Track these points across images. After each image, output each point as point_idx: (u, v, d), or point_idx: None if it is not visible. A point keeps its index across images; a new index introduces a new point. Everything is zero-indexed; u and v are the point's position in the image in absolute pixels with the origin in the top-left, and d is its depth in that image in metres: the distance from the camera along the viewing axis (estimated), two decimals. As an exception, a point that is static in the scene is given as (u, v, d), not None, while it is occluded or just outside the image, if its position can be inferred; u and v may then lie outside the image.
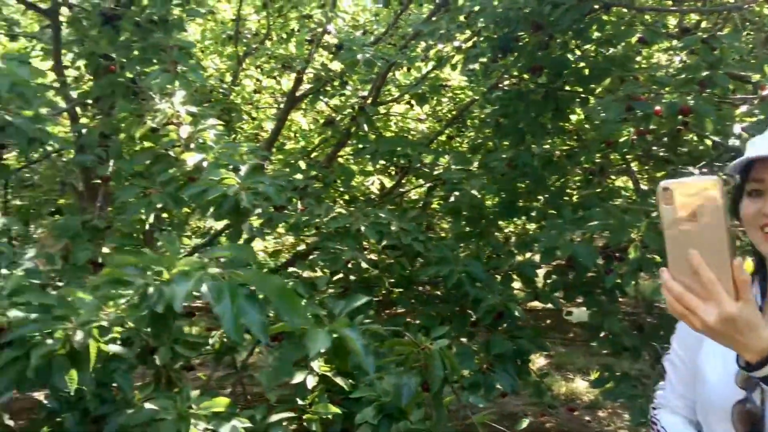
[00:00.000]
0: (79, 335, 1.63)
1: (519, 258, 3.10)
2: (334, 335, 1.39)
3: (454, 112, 4.46)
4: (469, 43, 3.45)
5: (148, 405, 1.98)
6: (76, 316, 1.64)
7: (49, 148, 2.79)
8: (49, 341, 1.59)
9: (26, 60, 2.46)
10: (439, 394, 1.61)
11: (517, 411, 3.86)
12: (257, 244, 4.73)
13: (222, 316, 1.24)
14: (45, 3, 3.25)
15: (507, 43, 3.04)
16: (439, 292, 3.27)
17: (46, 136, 2.18)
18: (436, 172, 3.54)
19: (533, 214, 3.50)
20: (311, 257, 4.06)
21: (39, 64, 3.42)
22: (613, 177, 3.89)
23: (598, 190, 3.48)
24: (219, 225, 5.29)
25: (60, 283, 2.47)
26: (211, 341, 2.99)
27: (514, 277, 3.06)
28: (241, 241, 3.74)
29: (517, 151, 3.29)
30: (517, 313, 2.64)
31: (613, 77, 3.12)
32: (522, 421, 2.29)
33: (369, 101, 3.88)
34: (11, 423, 2.20)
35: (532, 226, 3.96)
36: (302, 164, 4.16)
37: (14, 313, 1.69)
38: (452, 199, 3.45)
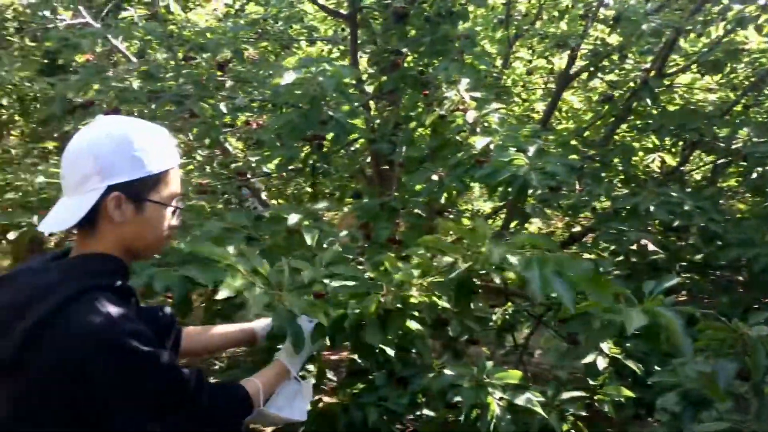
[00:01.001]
0: (391, 299, 1.81)
1: None
2: (649, 314, 1.37)
3: (752, 79, 3.98)
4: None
5: (446, 371, 2.14)
6: (389, 283, 1.83)
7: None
8: (364, 304, 1.77)
9: (331, 61, 2.80)
10: (761, 384, 1.49)
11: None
12: (530, 226, 4.77)
13: (530, 280, 1.30)
14: (343, 9, 3.64)
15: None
16: (740, 278, 2.97)
17: (354, 128, 2.47)
18: (733, 146, 3.20)
19: None
20: (584, 239, 3.97)
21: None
22: None
23: None
24: (486, 207, 5.46)
25: (361, 258, 2.78)
26: (494, 317, 3.12)
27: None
28: (514, 222, 3.84)
29: (842, 118, 2.84)
30: None
31: None
32: None
33: (652, 73, 3.65)
34: (332, 376, 2.54)
35: None
36: (576, 143, 4.07)
37: (331, 282, 1.92)
38: (755, 175, 3.09)
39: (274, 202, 4.68)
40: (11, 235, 2.41)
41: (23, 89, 2.75)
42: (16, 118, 5.12)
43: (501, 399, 2.00)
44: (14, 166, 3.04)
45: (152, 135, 1.26)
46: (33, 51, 4.17)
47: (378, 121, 3.09)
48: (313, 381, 1.74)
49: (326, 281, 1.87)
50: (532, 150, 2.34)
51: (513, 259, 1.39)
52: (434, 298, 1.85)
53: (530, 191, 2.30)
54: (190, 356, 1.70)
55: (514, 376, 2.04)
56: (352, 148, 3.91)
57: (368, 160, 3.88)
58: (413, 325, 1.93)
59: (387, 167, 3.58)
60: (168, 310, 1.52)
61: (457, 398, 2.00)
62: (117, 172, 1.20)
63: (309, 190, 4.94)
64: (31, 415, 1.12)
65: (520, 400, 1.98)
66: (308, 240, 2.12)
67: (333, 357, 5.01)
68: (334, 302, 1.81)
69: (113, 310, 1.13)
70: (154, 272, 1.95)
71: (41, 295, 1.12)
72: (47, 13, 4.09)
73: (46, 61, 4.29)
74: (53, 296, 1.11)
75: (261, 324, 1.73)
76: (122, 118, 1.30)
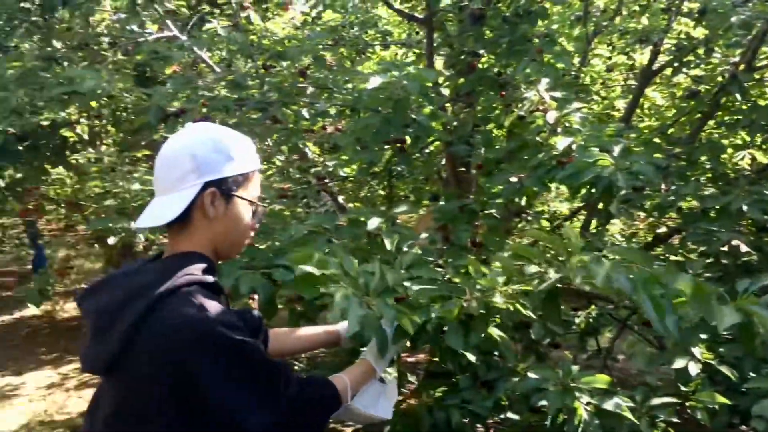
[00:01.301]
0: (475, 304, 1.81)
1: None
2: (742, 312, 1.32)
3: None
4: None
5: (530, 375, 2.11)
6: (473, 288, 1.83)
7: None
8: (446, 308, 1.77)
9: (408, 65, 2.82)
10: None
11: None
12: (611, 226, 4.64)
13: (643, 304, 1.28)
14: (418, 13, 3.66)
15: None
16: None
17: (434, 130, 2.48)
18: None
19: None
20: (670, 240, 3.83)
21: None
22: None
23: None
24: (563, 208, 5.35)
25: (440, 261, 2.78)
26: (576, 321, 3.06)
27: None
28: (595, 224, 3.75)
29: None
30: None
31: None
32: None
33: (741, 67, 3.49)
34: (413, 379, 2.56)
35: None
36: (659, 141, 3.94)
37: (413, 285, 1.92)
38: None
39: (350, 205, 4.75)
40: (111, 240, 2.54)
41: (121, 100, 2.92)
42: (109, 128, 5.42)
43: (588, 404, 1.96)
44: (111, 174, 3.23)
45: (239, 139, 1.35)
46: (124, 64, 4.41)
47: (455, 123, 3.08)
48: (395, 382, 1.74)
49: (407, 284, 1.89)
50: (617, 150, 2.28)
51: (617, 280, 1.37)
52: (518, 306, 1.83)
53: (615, 192, 2.24)
54: (277, 357, 1.75)
55: (601, 380, 2.00)
56: (427, 151, 3.93)
57: (443, 162, 3.88)
58: (495, 331, 1.92)
59: (463, 169, 3.57)
60: (256, 313, 1.58)
61: (542, 402, 1.97)
62: (212, 169, 1.28)
63: (382, 193, 4.98)
64: (133, 412, 1.18)
65: (609, 405, 1.94)
66: (388, 244, 2.14)
67: (410, 359, 5.05)
68: (415, 305, 1.83)
69: (207, 302, 1.18)
70: (241, 274, 2.03)
71: (136, 295, 1.18)
72: (135, 27, 4.31)
73: (135, 73, 4.52)
74: (148, 295, 1.17)
75: (345, 326, 1.77)
76: (211, 124, 1.39)
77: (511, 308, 1.80)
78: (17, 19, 4.40)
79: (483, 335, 1.88)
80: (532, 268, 1.69)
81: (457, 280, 1.92)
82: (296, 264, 1.53)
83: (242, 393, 1.19)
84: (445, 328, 1.84)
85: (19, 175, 5.16)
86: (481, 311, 1.80)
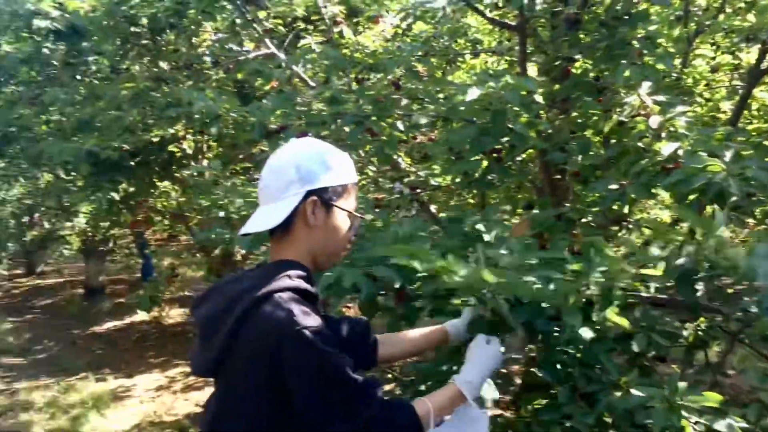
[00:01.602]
0: (595, 289, 1.75)
1: None
2: None
3: None
4: None
5: (633, 391, 2.03)
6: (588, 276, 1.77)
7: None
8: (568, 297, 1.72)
9: (504, 74, 2.79)
10: None
11: None
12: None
13: None
14: (509, 20, 3.63)
15: None
16: None
17: (529, 138, 2.45)
18: None
19: None
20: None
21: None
22: None
23: None
24: (664, 215, 5.10)
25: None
26: (685, 333, 2.91)
27: None
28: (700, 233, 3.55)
29: None
30: None
31: None
32: None
33: None
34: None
35: None
36: (768, 144, 3.71)
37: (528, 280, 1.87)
38: None
39: (442, 215, 4.74)
40: (217, 250, 2.66)
41: (226, 119, 3.09)
42: (211, 143, 5.70)
43: (697, 423, 1.86)
44: (215, 186, 3.39)
45: (339, 152, 1.42)
46: (226, 82, 4.63)
47: (550, 130, 3.02)
48: (490, 413, 1.64)
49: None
50: (728, 155, 2.16)
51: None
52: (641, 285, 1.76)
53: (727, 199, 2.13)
54: (390, 361, 1.77)
55: (712, 398, 1.89)
56: (519, 159, 3.86)
57: (536, 170, 3.81)
58: (614, 316, 1.85)
59: (558, 177, 3.49)
60: (363, 320, 1.61)
61: (647, 420, 1.89)
62: (315, 178, 1.34)
63: (471, 201, 4.94)
64: (230, 414, 1.25)
65: (720, 426, 1.84)
66: (486, 237, 2.12)
67: (503, 370, 4.96)
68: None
69: (298, 308, 1.23)
70: (343, 270, 2.05)
71: (235, 302, 1.25)
72: (234, 46, 4.51)
73: (235, 90, 4.73)
74: (245, 301, 1.23)
75: (452, 323, 1.77)
76: (313, 139, 1.46)
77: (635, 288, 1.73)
78: (129, 43, 4.71)
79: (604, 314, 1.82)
80: (659, 249, 1.64)
81: (575, 267, 1.85)
82: (399, 255, 1.56)
83: (324, 401, 1.22)
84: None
85: (131, 189, 5.51)
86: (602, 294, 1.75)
